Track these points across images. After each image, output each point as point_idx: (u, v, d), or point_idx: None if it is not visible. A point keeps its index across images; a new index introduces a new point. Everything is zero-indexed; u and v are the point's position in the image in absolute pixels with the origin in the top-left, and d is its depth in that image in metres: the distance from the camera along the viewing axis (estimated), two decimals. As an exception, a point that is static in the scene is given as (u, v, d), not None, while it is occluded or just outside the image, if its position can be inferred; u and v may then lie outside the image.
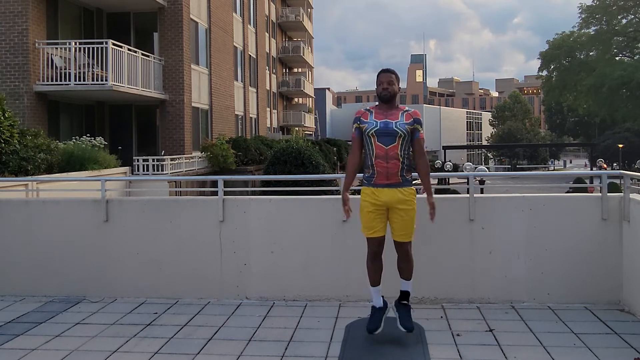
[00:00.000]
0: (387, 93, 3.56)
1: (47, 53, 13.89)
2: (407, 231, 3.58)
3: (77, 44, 14.13)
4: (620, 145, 50.39)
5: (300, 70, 43.41)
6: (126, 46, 14.59)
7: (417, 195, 3.69)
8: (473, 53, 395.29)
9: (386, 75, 3.60)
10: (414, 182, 3.67)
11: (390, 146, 3.49)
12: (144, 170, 14.87)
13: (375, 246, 3.59)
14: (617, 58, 46.07)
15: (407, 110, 3.62)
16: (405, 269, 3.66)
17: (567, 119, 71.08)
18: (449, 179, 29.42)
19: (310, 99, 46.62)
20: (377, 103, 3.71)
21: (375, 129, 3.52)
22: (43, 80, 13.76)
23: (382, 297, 3.69)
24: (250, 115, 27.35)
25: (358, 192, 3.81)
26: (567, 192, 12.19)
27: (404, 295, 3.70)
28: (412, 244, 3.65)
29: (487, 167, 56.92)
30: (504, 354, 3.40)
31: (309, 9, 44.42)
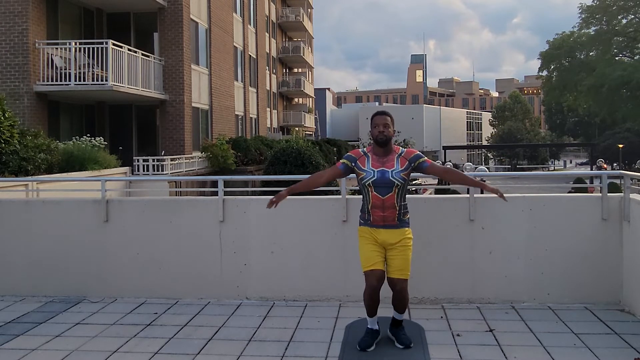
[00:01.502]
0: (383, 137, 3.53)
1: (47, 53, 13.89)
2: (404, 268, 3.52)
3: (77, 44, 14.12)
4: (620, 146, 50.40)
5: (300, 70, 43.41)
6: (126, 46, 14.59)
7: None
8: (473, 53, 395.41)
9: (382, 118, 3.56)
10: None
11: (387, 196, 3.48)
12: (144, 171, 14.86)
13: (375, 281, 3.49)
14: (617, 58, 46.07)
15: (401, 154, 3.57)
16: (400, 305, 3.60)
17: (567, 119, 71.05)
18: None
19: (310, 99, 46.62)
20: (370, 143, 3.70)
21: (373, 179, 3.49)
22: (43, 81, 13.76)
23: (377, 322, 3.64)
24: (250, 116, 27.35)
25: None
26: (570, 192, 12.18)
27: (396, 322, 3.66)
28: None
29: (487, 167, 56.87)
30: (504, 354, 3.40)
31: (309, 9, 44.42)
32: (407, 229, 3.58)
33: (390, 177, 3.49)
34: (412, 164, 3.55)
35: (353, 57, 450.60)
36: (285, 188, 3.78)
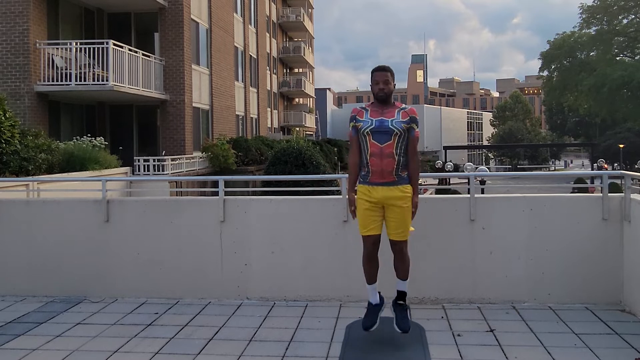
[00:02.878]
0: (383, 94, 3.51)
1: (48, 53, 13.89)
2: (403, 229, 3.53)
3: (78, 44, 14.14)
4: (621, 146, 50.39)
5: (300, 70, 43.41)
6: (127, 46, 14.60)
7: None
8: (473, 53, 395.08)
9: (382, 74, 3.53)
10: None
11: (385, 144, 3.45)
12: (144, 171, 14.88)
13: (371, 245, 3.56)
14: (617, 58, 46.04)
15: (403, 108, 3.57)
16: (401, 268, 3.62)
17: (568, 119, 71.02)
18: (449, 179, 29.36)
19: (311, 99, 46.61)
20: (372, 101, 3.65)
21: (371, 127, 3.47)
22: (44, 81, 13.77)
23: (379, 292, 3.68)
24: (251, 116, 27.36)
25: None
26: (572, 191, 12.14)
27: (401, 295, 3.68)
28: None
29: (487, 168, 56.85)
30: (505, 354, 3.39)
31: (310, 9, 44.41)
32: (406, 185, 3.53)
33: (390, 125, 3.46)
34: (410, 123, 3.53)
35: (352, 57, 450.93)
36: (347, 191, 3.74)
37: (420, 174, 3.73)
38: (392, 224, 3.53)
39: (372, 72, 3.59)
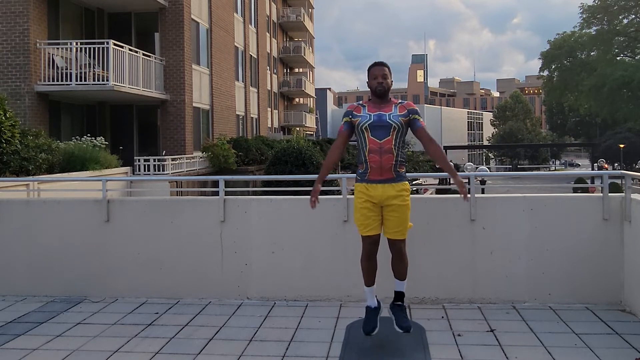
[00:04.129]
0: (382, 88, 3.47)
1: (48, 53, 13.90)
2: (401, 228, 3.47)
3: (78, 44, 14.14)
4: (622, 146, 50.28)
5: (301, 70, 43.39)
6: (127, 46, 14.60)
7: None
8: (473, 53, 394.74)
9: (380, 69, 3.49)
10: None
11: (384, 140, 3.39)
12: (145, 171, 14.88)
13: (370, 245, 3.50)
14: (618, 58, 45.97)
15: (400, 103, 3.54)
16: (399, 268, 3.57)
17: (568, 119, 70.94)
18: (450, 179, 29.30)
19: (311, 99, 46.60)
20: (369, 98, 3.62)
21: (369, 122, 3.42)
22: (44, 81, 13.77)
23: (376, 296, 3.63)
24: (251, 116, 27.36)
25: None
26: (575, 190, 12.08)
27: (399, 296, 3.62)
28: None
29: (488, 167, 56.75)
30: (505, 355, 3.39)
31: (310, 9, 44.41)
32: (404, 182, 3.48)
33: (388, 119, 3.42)
34: (410, 115, 3.49)
35: (352, 57, 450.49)
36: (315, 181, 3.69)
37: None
38: (390, 223, 3.48)
39: (370, 68, 3.55)
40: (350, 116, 3.54)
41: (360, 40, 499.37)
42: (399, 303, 3.61)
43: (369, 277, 3.59)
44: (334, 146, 3.68)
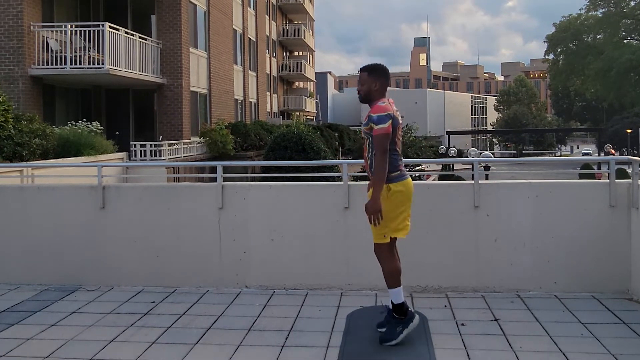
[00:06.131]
0: (359, 96, 3.47)
1: (43, 36, 13.66)
2: (373, 233, 3.36)
3: (73, 26, 13.90)
4: (629, 131, 49.52)
5: (301, 53, 42.97)
6: (123, 29, 14.36)
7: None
8: (468, 36, 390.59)
9: (359, 76, 3.46)
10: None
11: (364, 146, 3.48)
12: (141, 156, 14.76)
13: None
14: (625, 41, 45.52)
15: (370, 108, 3.39)
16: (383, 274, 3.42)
17: (574, 104, 70.32)
18: (453, 165, 29.20)
19: (312, 83, 46.25)
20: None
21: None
22: (38, 64, 13.56)
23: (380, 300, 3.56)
24: (250, 100, 27.13)
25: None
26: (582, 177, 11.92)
27: (389, 310, 3.46)
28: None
29: (492, 153, 56.50)
30: (510, 344, 3.33)
31: (309, -8, 43.79)
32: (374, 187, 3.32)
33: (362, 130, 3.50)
34: (369, 124, 3.30)
35: (345, 41, 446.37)
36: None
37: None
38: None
39: None
40: None
41: (351, 24, 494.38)
42: (391, 313, 3.44)
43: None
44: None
